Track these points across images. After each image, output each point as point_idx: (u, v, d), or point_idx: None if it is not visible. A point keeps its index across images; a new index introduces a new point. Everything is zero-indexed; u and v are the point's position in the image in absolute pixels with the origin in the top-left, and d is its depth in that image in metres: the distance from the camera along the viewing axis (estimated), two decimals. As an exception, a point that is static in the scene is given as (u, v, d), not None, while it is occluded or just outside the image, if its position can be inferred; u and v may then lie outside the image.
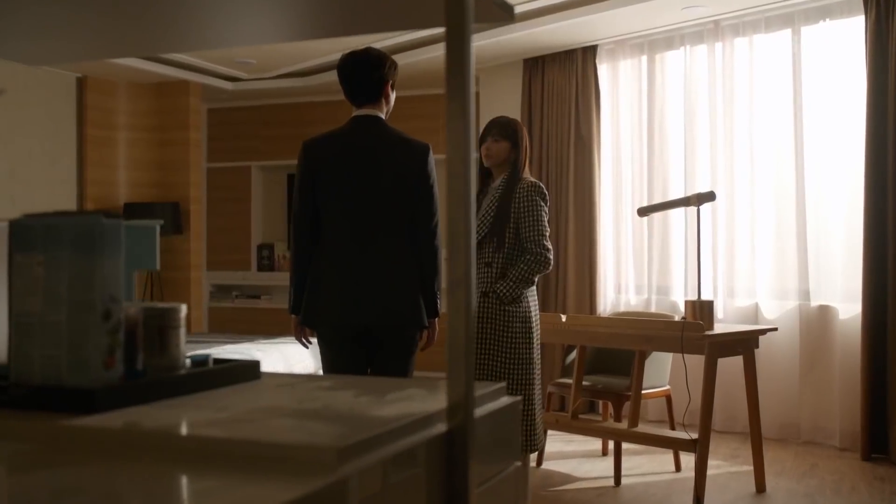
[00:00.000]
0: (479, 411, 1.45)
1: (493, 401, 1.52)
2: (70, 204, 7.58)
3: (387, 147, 3.47)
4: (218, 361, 1.66)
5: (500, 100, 7.37)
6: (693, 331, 4.25)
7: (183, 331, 1.54)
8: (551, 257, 3.90)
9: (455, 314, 1.30)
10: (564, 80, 6.92)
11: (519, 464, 1.82)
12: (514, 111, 7.26)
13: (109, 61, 7.13)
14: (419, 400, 1.43)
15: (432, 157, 3.50)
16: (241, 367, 1.62)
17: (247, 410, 1.36)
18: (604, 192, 6.78)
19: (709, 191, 4.48)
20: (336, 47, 6.98)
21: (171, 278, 7.97)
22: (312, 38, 1.66)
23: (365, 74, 3.48)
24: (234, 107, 8.99)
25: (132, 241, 1.65)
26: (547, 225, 3.92)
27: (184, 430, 1.22)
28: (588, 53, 6.80)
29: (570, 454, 5.40)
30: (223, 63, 7.61)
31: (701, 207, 5.97)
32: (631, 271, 6.65)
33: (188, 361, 1.60)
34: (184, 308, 1.53)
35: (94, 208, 7.67)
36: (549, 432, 5.15)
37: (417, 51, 7.19)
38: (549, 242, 3.92)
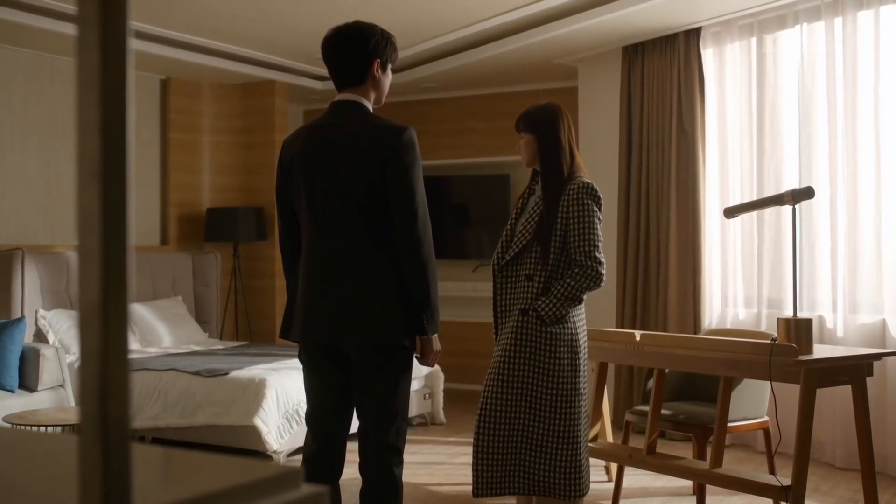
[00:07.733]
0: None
1: (266, 498, 0.97)
2: (153, 210, 7.38)
3: (352, 136, 2.90)
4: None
5: (599, 94, 6.73)
6: (784, 355, 3.52)
7: None
8: (604, 272, 3.26)
9: (86, 366, 0.76)
10: (665, 68, 6.21)
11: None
12: (612, 105, 6.61)
13: (193, 62, 6.88)
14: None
15: (410, 144, 2.88)
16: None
17: None
18: (709, 192, 6.02)
19: (806, 186, 3.73)
20: (412, 40, 6.48)
21: (254, 286, 7.66)
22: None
23: (344, 51, 2.95)
24: (329, 108, 8.64)
25: None
26: (600, 234, 3.30)
27: None
28: (691, 37, 6.07)
29: (654, 492, 4.70)
30: (305, 60, 7.24)
31: (817, 208, 5.25)
32: (740, 281, 5.87)
33: None
34: None
35: (177, 214, 7.44)
36: (626, 468, 4.49)
37: (507, 40, 6.60)
38: (602, 254, 3.28)
